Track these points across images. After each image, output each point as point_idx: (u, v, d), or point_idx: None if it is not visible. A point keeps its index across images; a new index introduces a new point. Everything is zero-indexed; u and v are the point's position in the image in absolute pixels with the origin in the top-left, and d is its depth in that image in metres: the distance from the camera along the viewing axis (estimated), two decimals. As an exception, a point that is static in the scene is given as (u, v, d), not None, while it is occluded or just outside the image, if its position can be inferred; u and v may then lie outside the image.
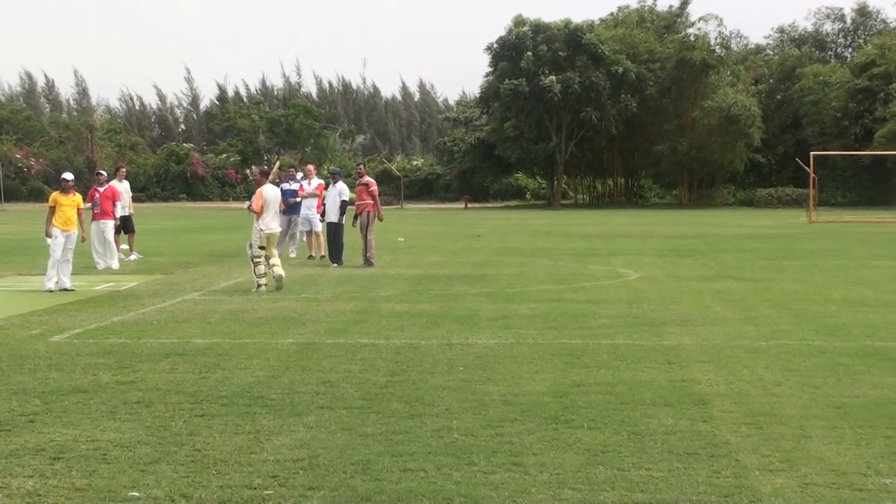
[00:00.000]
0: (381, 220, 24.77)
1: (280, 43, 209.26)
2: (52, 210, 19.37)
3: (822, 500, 6.70)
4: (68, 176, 20.11)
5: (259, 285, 18.72)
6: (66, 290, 18.71)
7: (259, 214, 19.15)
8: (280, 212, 24.60)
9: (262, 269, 18.89)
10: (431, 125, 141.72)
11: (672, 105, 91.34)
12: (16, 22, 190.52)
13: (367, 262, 24.07)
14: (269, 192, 19.68)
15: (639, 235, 39.82)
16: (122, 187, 26.74)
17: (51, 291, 18.44)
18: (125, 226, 26.17)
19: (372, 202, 24.27)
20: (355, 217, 24.54)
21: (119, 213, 25.35)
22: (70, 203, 19.54)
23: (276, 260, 19.24)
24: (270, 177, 21.20)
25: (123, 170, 28.47)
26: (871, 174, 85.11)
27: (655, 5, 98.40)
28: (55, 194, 19.81)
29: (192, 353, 11.82)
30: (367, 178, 24.88)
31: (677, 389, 9.86)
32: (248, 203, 20.83)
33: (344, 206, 24.71)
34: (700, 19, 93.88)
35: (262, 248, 19.07)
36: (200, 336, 13.24)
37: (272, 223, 19.45)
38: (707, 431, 8.26)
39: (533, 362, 11.27)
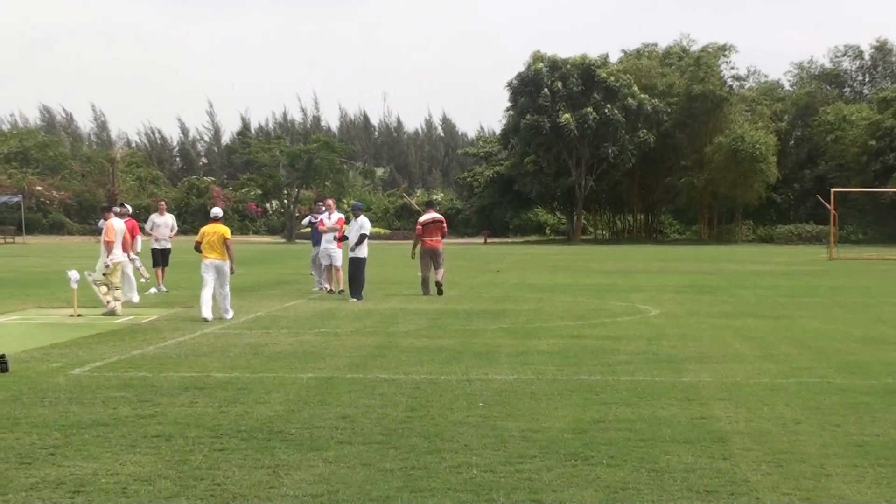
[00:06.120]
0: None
1: (302, 77, 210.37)
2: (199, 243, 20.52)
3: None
4: (217, 212, 21.42)
5: (109, 302, 20.80)
6: (224, 316, 19.95)
7: (110, 244, 21.31)
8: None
9: (104, 289, 21.04)
10: (454, 159, 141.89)
11: (688, 140, 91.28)
12: (34, 58, 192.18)
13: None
14: (117, 225, 21.93)
15: (658, 271, 39.75)
16: (163, 220, 27.50)
17: (206, 320, 19.42)
18: (164, 258, 26.96)
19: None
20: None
21: (160, 245, 27.39)
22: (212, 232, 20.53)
23: (119, 294, 21.28)
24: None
25: (163, 203, 29.09)
26: (892, 211, 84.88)
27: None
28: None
29: (211, 387, 11.84)
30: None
31: (697, 427, 9.82)
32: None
33: (361, 239, 24.88)
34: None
35: (104, 274, 21.21)
36: (220, 370, 13.27)
37: (116, 251, 21.56)
38: (727, 469, 8.23)
39: (552, 398, 11.24)
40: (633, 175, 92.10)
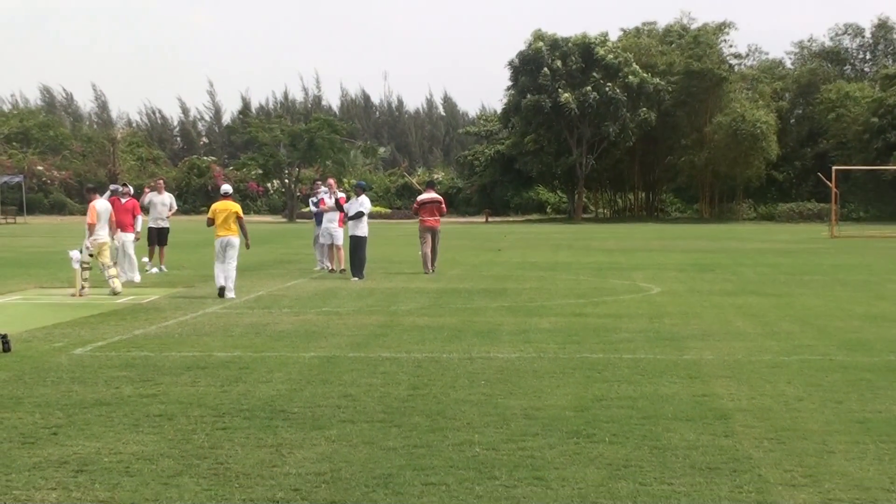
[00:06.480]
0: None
1: (303, 56, 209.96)
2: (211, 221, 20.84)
3: (845, 516, 6.67)
4: (227, 189, 21.69)
5: (83, 288, 20.67)
6: (226, 296, 19.95)
7: (92, 226, 21.35)
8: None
9: (87, 275, 20.97)
10: (454, 138, 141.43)
11: (688, 119, 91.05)
12: (34, 38, 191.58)
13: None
14: (101, 206, 21.86)
15: (660, 250, 39.74)
16: (160, 199, 27.38)
17: (222, 288, 20.05)
18: (160, 237, 26.79)
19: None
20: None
21: (156, 224, 27.03)
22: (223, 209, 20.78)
23: (114, 271, 21.36)
24: None
25: (161, 182, 28.94)
26: (893, 189, 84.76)
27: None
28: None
29: (213, 367, 11.85)
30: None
31: (699, 404, 9.83)
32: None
33: (358, 215, 24.87)
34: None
35: (91, 255, 21.23)
36: (222, 349, 13.28)
37: (101, 232, 21.58)
38: (729, 446, 8.24)
39: (554, 376, 11.25)
40: (634, 154, 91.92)
